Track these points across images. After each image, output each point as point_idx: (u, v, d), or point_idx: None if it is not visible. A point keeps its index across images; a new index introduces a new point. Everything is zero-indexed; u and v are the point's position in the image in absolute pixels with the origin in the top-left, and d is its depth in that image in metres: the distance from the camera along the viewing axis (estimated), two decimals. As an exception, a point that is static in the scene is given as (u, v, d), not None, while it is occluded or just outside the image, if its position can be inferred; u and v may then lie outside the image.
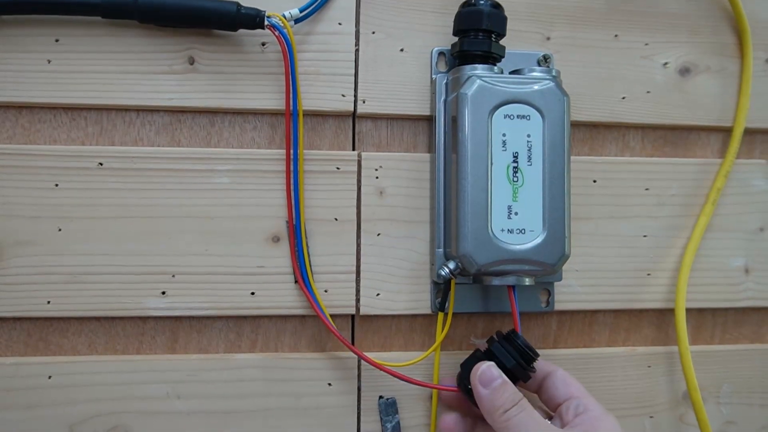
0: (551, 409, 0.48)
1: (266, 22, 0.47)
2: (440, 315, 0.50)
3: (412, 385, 0.49)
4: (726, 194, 0.56)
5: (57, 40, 0.48)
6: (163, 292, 0.49)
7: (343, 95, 0.51)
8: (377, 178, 0.51)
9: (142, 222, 0.49)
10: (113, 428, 0.48)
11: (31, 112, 0.49)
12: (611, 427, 0.44)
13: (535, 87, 0.47)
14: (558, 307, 0.53)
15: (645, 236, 0.54)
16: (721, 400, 0.55)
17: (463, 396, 0.48)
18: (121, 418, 0.49)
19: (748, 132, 0.56)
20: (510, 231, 0.46)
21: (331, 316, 0.50)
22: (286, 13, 0.48)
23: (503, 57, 0.49)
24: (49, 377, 0.48)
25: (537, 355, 0.47)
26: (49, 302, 0.48)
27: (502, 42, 0.49)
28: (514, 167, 0.46)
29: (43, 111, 0.49)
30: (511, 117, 0.46)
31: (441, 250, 0.50)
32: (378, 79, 0.51)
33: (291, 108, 0.49)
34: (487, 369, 0.45)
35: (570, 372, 0.48)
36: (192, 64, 0.50)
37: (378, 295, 0.51)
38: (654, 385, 0.54)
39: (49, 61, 0.48)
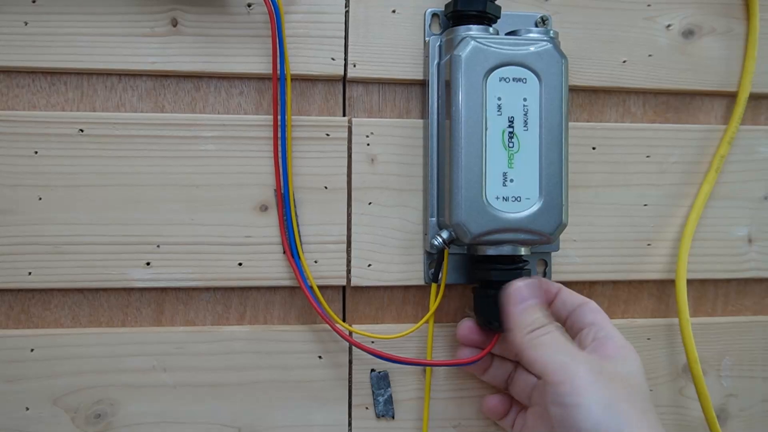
0: (572, 336, 0.46)
1: (251, -19, 0.45)
2: (433, 286, 0.49)
3: (404, 356, 0.48)
4: (730, 161, 0.54)
5: (34, 1, 0.46)
6: (148, 263, 0.48)
7: (332, 59, 0.49)
8: (368, 145, 0.50)
9: (125, 190, 0.47)
10: (98, 402, 0.47)
11: (8, 76, 0.47)
12: (632, 356, 0.43)
13: (532, 48, 0.45)
14: (555, 277, 0.51)
15: (645, 205, 0.53)
16: (722, 373, 0.54)
17: (484, 330, 0.47)
18: (106, 391, 0.47)
19: (754, 97, 0.55)
20: (505, 199, 0.45)
21: (322, 287, 0.49)
22: (272, -28, 0.46)
23: (499, 18, 0.47)
24: (32, 350, 0.47)
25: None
26: (30, 273, 0.47)
27: (498, 2, 0.47)
28: (510, 132, 0.45)
29: (21, 75, 0.47)
30: (507, 80, 0.45)
31: (434, 219, 0.48)
32: (369, 42, 0.50)
33: (278, 72, 0.47)
34: (520, 288, 0.44)
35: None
36: (175, 26, 0.48)
37: (369, 265, 0.49)
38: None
39: (26, 23, 0.46)
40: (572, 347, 0.42)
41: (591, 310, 0.45)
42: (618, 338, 0.43)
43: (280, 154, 0.48)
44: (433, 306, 0.49)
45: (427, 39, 0.49)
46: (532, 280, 0.45)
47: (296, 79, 0.49)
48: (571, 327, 0.47)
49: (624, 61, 0.53)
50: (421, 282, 0.50)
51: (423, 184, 0.50)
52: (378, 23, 0.50)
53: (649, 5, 0.53)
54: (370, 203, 0.49)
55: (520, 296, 0.44)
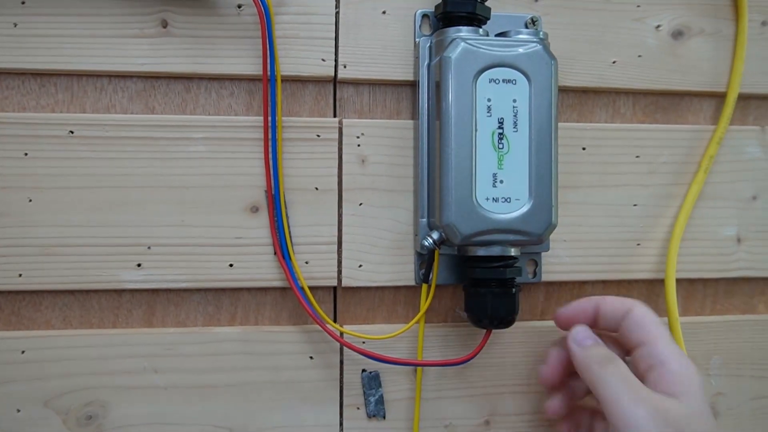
0: (628, 354, 0.45)
1: (241, -17, 0.45)
2: (424, 286, 0.49)
3: (395, 356, 0.48)
4: (719, 162, 0.54)
5: (23, 2, 0.46)
6: (139, 265, 0.48)
7: (323, 60, 0.49)
8: (359, 146, 0.50)
9: (115, 192, 0.47)
10: (89, 403, 0.47)
11: (-3, 78, 0.47)
12: (693, 387, 0.41)
13: (521, 50, 0.45)
14: (545, 278, 0.52)
15: (635, 205, 0.53)
16: (711, 372, 0.54)
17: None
18: (97, 393, 0.47)
19: (742, 97, 0.55)
20: (495, 200, 0.45)
21: (313, 288, 0.49)
22: (262, -27, 0.46)
23: (489, 19, 0.47)
24: (23, 352, 0.47)
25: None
26: (20, 275, 0.47)
27: (488, 3, 0.47)
28: (500, 134, 0.45)
29: (11, 77, 0.47)
30: (497, 81, 0.45)
31: (425, 219, 0.48)
32: (359, 43, 0.50)
33: (269, 73, 0.47)
34: (581, 330, 0.45)
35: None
36: (165, 27, 0.48)
37: (360, 266, 0.50)
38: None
39: (15, 25, 0.46)
40: (635, 383, 0.41)
41: (636, 325, 0.44)
42: (673, 362, 0.42)
43: (270, 156, 0.48)
44: (424, 306, 0.49)
45: (417, 40, 0.49)
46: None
47: (286, 80, 0.49)
48: (625, 343, 0.45)
49: (613, 62, 0.53)
50: (412, 282, 0.50)
51: (413, 185, 0.50)
52: (368, 24, 0.50)
53: (638, 6, 0.53)
54: (360, 204, 0.50)
55: (582, 336, 0.45)
